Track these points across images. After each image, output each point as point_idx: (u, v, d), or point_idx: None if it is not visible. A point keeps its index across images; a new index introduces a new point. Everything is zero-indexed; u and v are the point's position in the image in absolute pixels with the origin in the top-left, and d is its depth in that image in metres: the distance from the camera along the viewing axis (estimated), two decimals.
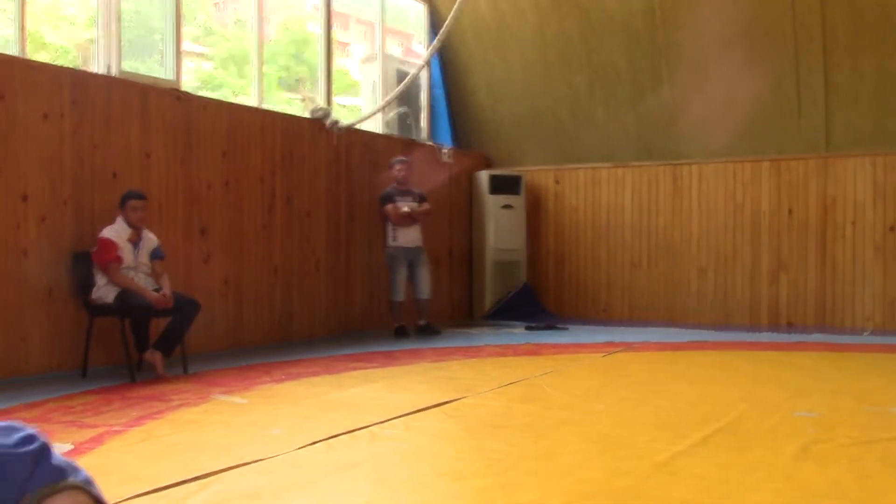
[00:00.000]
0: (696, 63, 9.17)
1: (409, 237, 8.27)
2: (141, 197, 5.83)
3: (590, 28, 9.39)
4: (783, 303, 9.13)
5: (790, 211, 9.10)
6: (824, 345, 7.52)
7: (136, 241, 5.79)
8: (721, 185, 9.43)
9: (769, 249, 9.21)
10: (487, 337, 8.25)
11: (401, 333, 8.20)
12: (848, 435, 3.81)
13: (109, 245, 5.66)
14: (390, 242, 8.27)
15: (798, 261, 9.08)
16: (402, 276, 8.28)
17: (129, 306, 5.57)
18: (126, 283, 5.63)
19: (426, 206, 8.41)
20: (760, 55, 8.83)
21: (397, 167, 8.38)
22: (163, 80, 6.77)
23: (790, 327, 8.98)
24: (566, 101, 9.94)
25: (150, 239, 5.92)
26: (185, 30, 7.11)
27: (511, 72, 10.04)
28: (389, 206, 8.20)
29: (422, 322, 8.39)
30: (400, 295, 8.30)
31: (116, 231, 5.73)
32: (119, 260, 5.65)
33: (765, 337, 8.24)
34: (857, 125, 8.79)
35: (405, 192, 8.34)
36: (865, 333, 8.43)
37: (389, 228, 8.26)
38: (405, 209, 8.20)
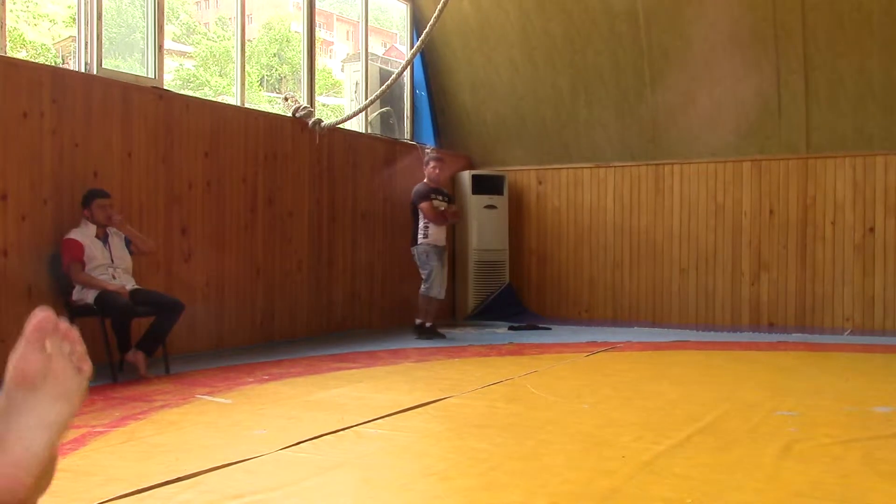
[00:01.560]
0: (679, 65, 9.21)
1: (439, 236, 8.09)
2: (106, 195, 5.81)
3: (574, 29, 9.42)
4: (764, 302, 9.20)
5: (771, 211, 9.17)
6: (805, 344, 7.58)
7: (103, 237, 5.76)
8: (703, 186, 9.48)
9: (750, 249, 9.27)
10: (471, 337, 8.26)
11: (427, 333, 8.02)
12: (829, 434, 3.84)
13: (72, 245, 5.63)
14: (422, 239, 8.02)
15: (779, 261, 9.15)
16: (439, 272, 8.05)
17: (110, 307, 5.54)
18: (92, 282, 5.59)
19: (454, 207, 8.33)
20: (742, 58, 8.88)
21: (432, 165, 8.19)
22: (144, 78, 6.73)
23: (771, 327, 9.04)
24: (550, 101, 9.97)
25: (120, 235, 5.89)
26: (166, 28, 7.07)
27: (495, 72, 10.06)
28: (426, 204, 8.00)
29: (428, 324, 8.13)
30: (436, 290, 8.03)
31: (82, 231, 5.70)
32: (81, 261, 5.62)
33: (746, 337, 8.29)
34: (837, 127, 8.87)
35: (438, 191, 8.19)
36: (845, 333, 8.50)
37: (422, 225, 8.02)
38: (441, 207, 8.07)
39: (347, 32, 28.33)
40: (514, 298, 10.21)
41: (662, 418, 4.26)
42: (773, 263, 9.17)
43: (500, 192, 10.22)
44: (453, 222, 8.37)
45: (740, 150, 9.33)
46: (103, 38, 6.41)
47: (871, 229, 8.79)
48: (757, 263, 9.24)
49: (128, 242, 5.93)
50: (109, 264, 5.74)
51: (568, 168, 10.17)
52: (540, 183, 10.37)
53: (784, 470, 3.26)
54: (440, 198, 8.11)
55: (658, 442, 3.65)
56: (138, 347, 5.70)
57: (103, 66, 6.37)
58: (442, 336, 8.01)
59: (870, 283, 8.78)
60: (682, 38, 9.03)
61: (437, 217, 7.99)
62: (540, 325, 9.22)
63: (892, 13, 8.17)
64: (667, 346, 7.52)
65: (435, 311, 8.15)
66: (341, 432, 3.91)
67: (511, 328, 9.04)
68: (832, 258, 8.96)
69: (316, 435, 3.81)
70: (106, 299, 5.54)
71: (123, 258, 5.84)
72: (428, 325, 8.03)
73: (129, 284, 5.76)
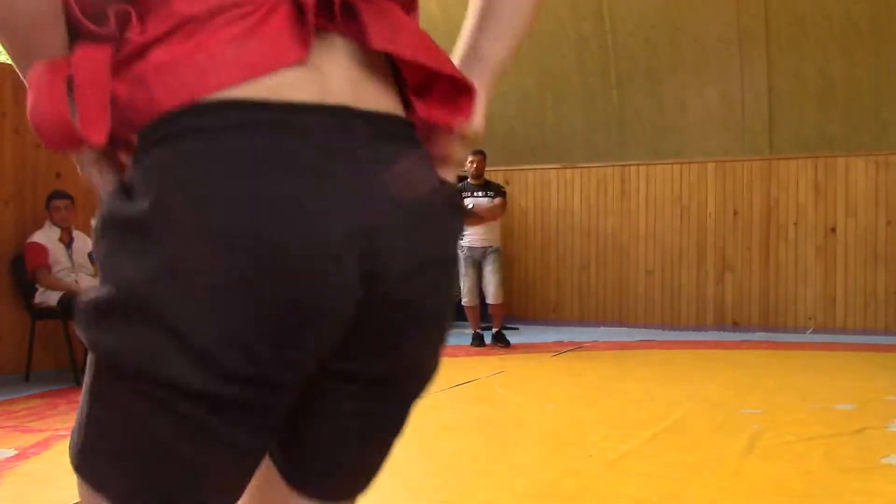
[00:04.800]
0: (644, 68, 9.29)
1: (475, 236, 7.54)
2: (65, 196, 5.73)
3: (540, 31, 9.45)
4: (728, 302, 9.30)
5: (735, 212, 9.28)
6: (768, 343, 7.68)
7: (67, 241, 5.69)
8: (668, 187, 9.57)
9: (715, 250, 9.37)
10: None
11: (475, 340, 7.63)
12: (791, 432, 3.90)
13: (36, 249, 5.56)
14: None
15: (742, 261, 9.25)
16: (468, 277, 7.53)
17: (71, 309, 5.46)
18: (58, 285, 5.53)
19: (497, 201, 7.58)
20: (707, 61, 8.98)
21: (469, 159, 7.68)
22: None
23: (735, 326, 9.15)
24: (516, 103, 10.00)
25: (85, 239, 5.83)
26: None
27: None
28: None
29: (493, 329, 7.69)
30: (465, 298, 7.56)
31: (45, 234, 5.63)
32: (47, 265, 5.55)
33: (710, 336, 8.38)
34: (800, 129, 9.00)
35: (480, 186, 7.64)
36: (808, 332, 8.63)
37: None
38: (470, 205, 7.51)
39: None
40: (482, 299, 10.20)
41: (628, 417, 4.29)
42: (737, 264, 9.28)
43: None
44: (491, 219, 7.52)
45: (705, 151, 9.43)
46: None
47: (833, 230, 8.92)
48: (721, 264, 9.34)
49: (91, 254, 5.86)
50: (72, 268, 5.67)
51: (535, 169, 10.21)
52: (507, 184, 10.39)
53: (748, 467, 3.30)
54: (480, 193, 7.55)
55: (624, 441, 3.68)
56: None
57: None
58: (482, 343, 7.57)
59: (831, 282, 8.91)
60: (648, 41, 9.11)
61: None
62: (507, 326, 9.23)
63: (853, 17, 8.31)
64: (633, 345, 7.58)
65: (475, 317, 7.65)
66: None
67: (483, 328, 9.04)
68: (795, 258, 9.08)
69: None
70: (69, 302, 5.47)
71: (85, 264, 5.77)
72: (477, 331, 7.65)
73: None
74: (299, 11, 0.77)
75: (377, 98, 0.84)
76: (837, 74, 8.59)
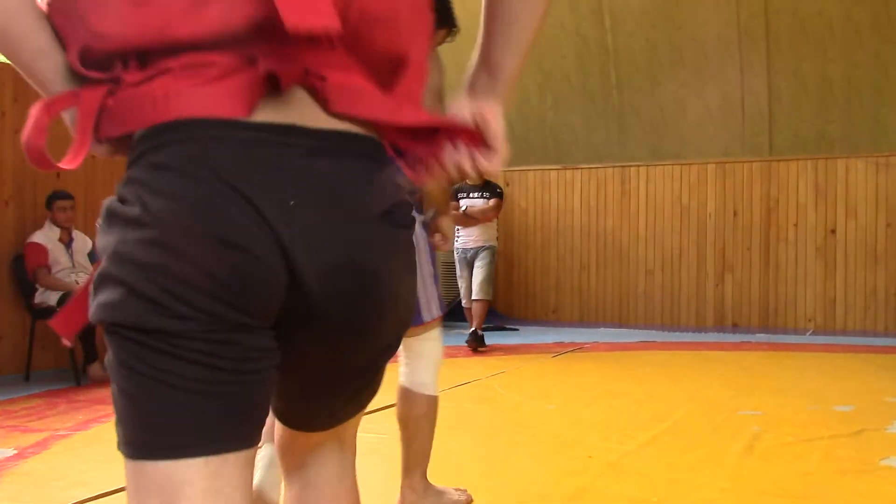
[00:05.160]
0: (644, 69, 9.30)
1: (468, 237, 7.47)
2: (68, 197, 5.74)
3: (540, 32, 9.46)
4: (728, 303, 9.30)
5: (735, 213, 9.28)
6: (768, 344, 7.68)
7: (67, 241, 5.69)
8: (668, 188, 9.57)
9: (714, 251, 9.37)
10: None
11: (470, 339, 7.28)
12: (791, 433, 3.90)
13: (36, 250, 5.56)
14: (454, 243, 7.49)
15: (742, 262, 9.26)
16: (464, 279, 7.49)
17: None
18: (58, 285, 5.53)
19: (491, 202, 7.41)
20: (707, 61, 8.99)
21: None
22: None
23: (735, 327, 9.15)
24: (516, 103, 10.00)
25: (85, 240, 5.84)
26: None
27: (460, 73, 10.04)
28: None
29: (471, 328, 7.36)
30: (464, 300, 7.53)
31: (45, 234, 5.63)
32: (46, 266, 5.55)
33: (710, 337, 8.39)
34: (800, 130, 9.00)
35: (478, 187, 7.44)
36: (807, 333, 8.63)
37: (458, 228, 7.46)
38: (460, 210, 7.36)
39: None
40: None
41: (628, 418, 4.29)
42: (736, 265, 9.28)
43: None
44: (484, 221, 7.42)
45: (705, 152, 9.43)
46: None
47: (833, 231, 8.93)
48: (721, 265, 9.35)
49: (92, 254, 5.86)
50: (72, 268, 5.67)
51: (535, 170, 10.21)
52: (507, 185, 10.40)
53: (747, 468, 3.31)
54: (476, 194, 7.40)
55: (624, 442, 3.68)
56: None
57: None
58: (477, 342, 7.26)
59: (831, 284, 8.92)
60: (648, 41, 9.12)
61: (456, 219, 7.27)
62: (507, 327, 9.24)
63: (853, 19, 8.32)
64: (633, 346, 7.58)
65: (477, 317, 7.35)
66: None
67: (487, 328, 9.05)
68: (794, 259, 9.08)
69: None
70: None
71: (85, 264, 5.78)
72: (475, 330, 7.30)
73: None
74: (254, 80, 0.94)
75: (328, 119, 0.97)
76: (837, 75, 8.60)
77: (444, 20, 2.74)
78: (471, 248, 7.46)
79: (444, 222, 2.64)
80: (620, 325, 9.40)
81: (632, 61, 9.25)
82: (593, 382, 5.57)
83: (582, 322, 9.80)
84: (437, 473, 3.30)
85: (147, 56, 0.94)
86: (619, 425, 4.05)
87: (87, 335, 5.58)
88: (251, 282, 0.93)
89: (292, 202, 0.94)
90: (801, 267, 9.04)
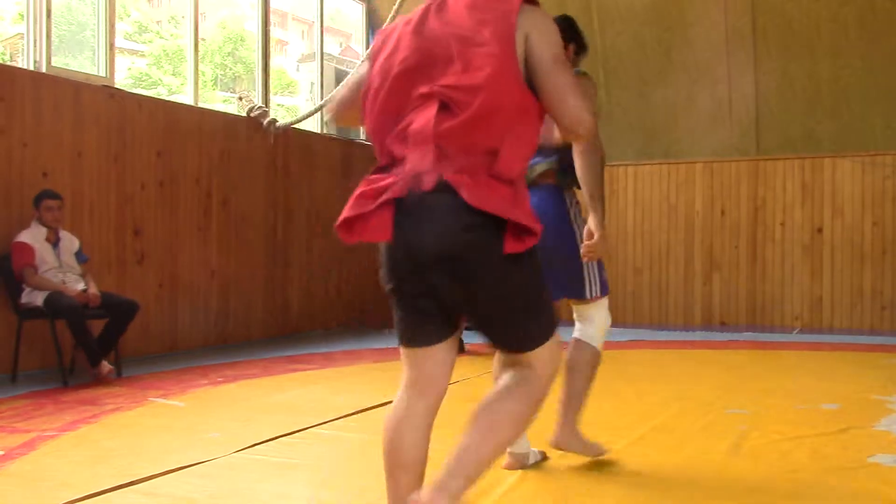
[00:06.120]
0: (632, 68, 9.32)
1: None
2: (56, 196, 5.70)
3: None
4: (716, 302, 9.34)
5: (722, 212, 9.31)
6: (755, 343, 7.71)
7: (54, 241, 5.66)
8: (656, 187, 9.59)
9: (702, 250, 9.40)
10: None
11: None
12: (778, 431, 3.92)
13: (23, 249, 5.53)
14: None
15: (730, 261, 9.29)
16: None
17: (60, 308, 5.44)
18: (45, 285, 5.50)
19: None
20: (695, 61, 9.01)
21: None
22: (95, 77, 6.62)
23: (723, 326, 9.18)
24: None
25: (72, 239, 5.80)
26: (118, 26, 6.96)
27: None
28: None
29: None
30: None
31: (32, 234, 5.60)
32: (33, 265, 5.52)
33: (698, 336, 8.41)
34: (787, 129, 9.04)
35: None
36: (794, 332, 8.67)
37: None
38: None
39: (303, 32, 28.16)
40: None
41: (617, 417, 4.30)
42: (724, 263, 9.31)
43: None
44: None
45: (692, 151, 9.46)
46: (53, 35, 6.30)
47: (820, 230, 8.97)
48: (709, 263, 9.38)
49: (80, 254, 5.83)
50: (59, 268, 5.64)
51: None
52: None
53: (734, 467, 3.32)
54: None
55: (612, 441, 3.69)
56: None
57: (52, 64, 6.26)
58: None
59: (818, 282, 8.96)
60: (636, 40, 9.13)
61: None
62: None
63: (839, 19, 8.36)
64: (621, 345, 7.59)
65: None
66: (296, 434, 3.89)
67: (465, 328, 9.05)
68: (781, 258, 9.12)
69: (271, 437, 3.79)
70: (55, 302, 5.44)
71: (72, 264, 5.74)
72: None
73: (80, 287, 5.66)
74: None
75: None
76: (824, 75, 8.64)
77: (572, 38, 3.23)
78: None
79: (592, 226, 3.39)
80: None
81: (620, 61, 9.27)
82: None
83: (569, 321, 9.79)
84: (426, 472, 3.30)
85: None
86: (607, 424, 4.06)
87: (80, 330, 5.50)
88: (400, 268, 2.03)
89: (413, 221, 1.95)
90: (788, 266, 9.08)
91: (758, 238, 9.19)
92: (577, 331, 3.62)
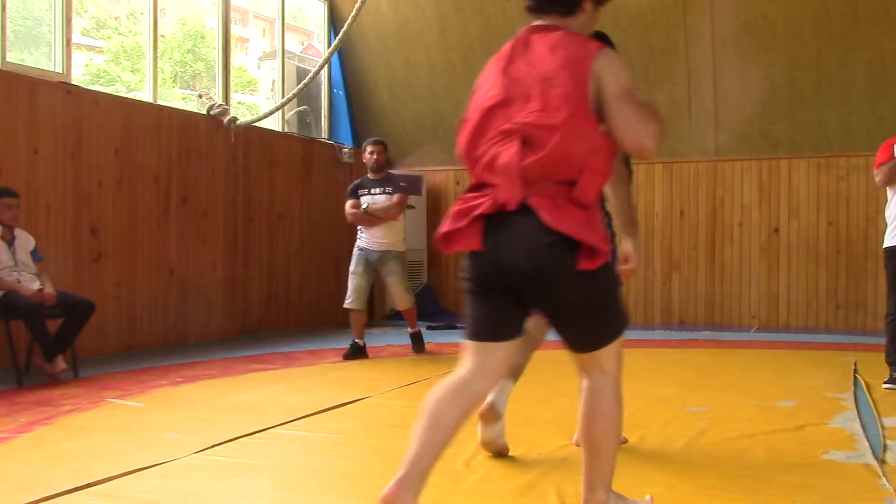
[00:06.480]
0: None
1: (371, 239, 6.74)
2: (13, 195, 5.61)
3: (491, 32, 9.49)
4: (675, 301, 9.44)
5: (681, 212, 9.42)
6: (713, 342, 7.80)
7: (9, 239, 5.56)
8: None
9: (662, 250, 9.50)
10: (389, 337, 8.25)
11: (350, 352, 6.62)
12: (736, 428, 3.97)
13: None
14: (357, 242, 6.89)
15: (689, 261, 9.40)
16: (355, 279, 6.72)
17: (16, 307, 5.35)
18: (3, 285, 5.40)
19: (395, 198, 6.67)
20: (653, 62, 9.10)
21: (368, 150, 6.80)
22: (51, 73, 6.52)
23: (682, 325, 9.29)
24: (466, 103, 10.00)
25: (27, 238, 5.71)
26: (75, 22, 6.86)
27: (413, 73, 10.06)
28: (347, 203, 6.79)
29: (409, 330, 7.02)
30: (349, 300, 6.73)
31: None
32: None
33: (658, 334, 8.50)
34: (744, 131, 9.16)
35: (379, 182, 6.76)
36: (752, 331, 8.79)
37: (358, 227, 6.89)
38: (361, 208, 6.68)
39: (264, 30, 27.93)
40: (433, 298, 10.23)
41: (575, 415, 4.33)
42: (683, 263, 9.42)
43: (418, 193, 10.20)
44: (388, 219, 6.69)
45: None
46: (8, 30, 6.18)
47: (776, 230, 9.11)
48: (668, 263, 9.48)
49: (35, 253, 5.73)
50: (14, 267, 5.54)
51: None
52: (458, 183, 10.42)
53: (693, 464, 3.36)
54: (378, 190, 6.72)
55: (573, 439, 3.71)
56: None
57: (8, 60, 6.15)
58: (355, 355, 6.61)
59: (774, 282, 9.10)
60: None
61: (354, 218, 6.76)
62: (458, 325, 9.25)
63: (795, 22, 8.49)
64: None
65: (358, 324, 6.74)
66: (257, 434, 3.86)
67: (429, 328, 9.06)
68: (739, 258, 9.25)
69: (231, 438, 3.76)
70: (10, 301, 5.35)
71: (28, 263, 5.65)
72: (356, 341, 6.70)
73: (36, 286, 5.56)
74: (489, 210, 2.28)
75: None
76: (780, 78, 8.77)
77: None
78: (374, 252, 6.74)
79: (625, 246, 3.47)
80: None
81: None
82: (543, 380, 5.60)
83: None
84: (387, 472, 3.30)
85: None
86: (568, 422, 4.08)
87: (37, 329, 5.42)
88: (490, 275, 2.34)
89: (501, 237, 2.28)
90: (746, 265, 9.22)
91: (716, 238, 9.31)
92: None
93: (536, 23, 2.50)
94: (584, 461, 2.49)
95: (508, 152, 2.27)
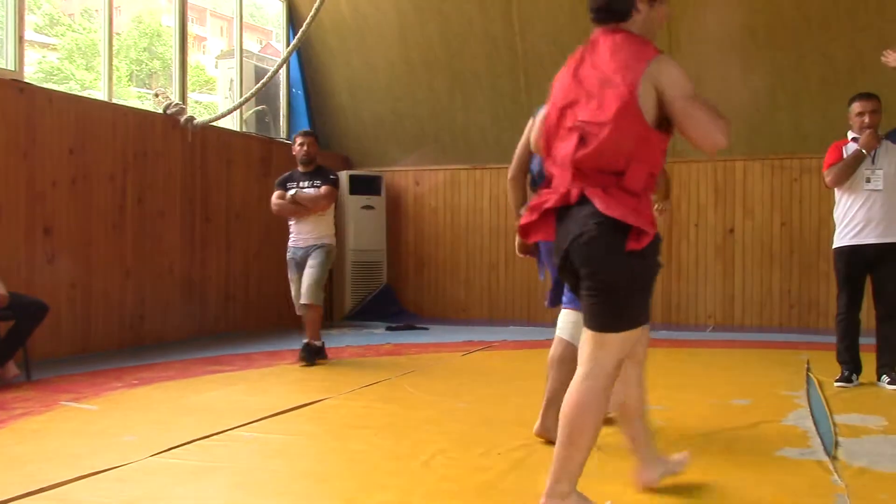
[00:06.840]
0: (553, 70, 9.40)
1: (297, 237, 6.54)
2: None
3: (450, 32, 9.51)
4: None
5: None
6: (670, 341, 7.89)
7: None
8: None
9: None
10: (348, 338, 8.22)
11: (302, 354, 6.28)
12: (692, 426, 4.02)
13: None
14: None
15: None
16: (294, 285, 6.52)
17: None
18: None
19: (323, 190, 6.41)
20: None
21: (298, 141, 6.58)
22: (3, 70, 6.40)
23: None
24: (427, 103, 10.03)
25: None
26: (27, 18, 6.74)
27: (372, 73, 10.04)
28: (274, 195, 6.58)
29: (304, 339, 6.38)
30: (296, 306, 6.53)
31: None
32: None
33: None
34: None
35: (308, 175, 6.52)
36: (708, 330, 8.91)
37: (290, 224, 6.63)
38: (286, 197, 6.45)
39: (221, 28, 27.68)
40: (392, 299, 10.22)
41: (536, 415, 4.35)
42: None
43: (377, 193, 10.21)
44: (315, 210, 6.42)
45: None
46: None
47: (731, 231, 9.24)
48: None
49: None
50: None
51: (445, 169, 10.26)
52: (417, 184, 10.43)
53: None
54: (304, 184, 6.47)
55: (533, 438, 3.74)
56: None
57: None
58: (305, 360, 6.24)
59: (730, 282, 9.23)
60: (556, 44, 9.24)
61: (280, 210, 6.53)
62: (417, 326, 9.26)
63: (749, 26, 8.62)
64: (541, 344, 7.67)
65: (309, 325, 6.40)
66: (215, 437, 3.83)
67: (389, 328, 9.05)
68: (695, 258, 9.37)
69: (188, 440, 3.72)
70: None
71: None
72: (305, 341, 6.37)
73: None
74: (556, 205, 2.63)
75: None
76: (736, 81, 8.89)
77: None
78: (301, 248, 6.48)
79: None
80: (529, 324, 9.51)
81: (540, 64, 9.36)
82: (503, 380, 5.63)
83: (491, 320, 9.89)
84: (346, 473, 3.29)
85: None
86: (527, 422, 4.10)
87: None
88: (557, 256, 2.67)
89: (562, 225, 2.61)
90: (702, 265, 9.34)
91: (673, 238, 9.41)
92: (562, 331, 4.00)
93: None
94: (557, 450, 2.57)
95: (567, 146, 2.59)
